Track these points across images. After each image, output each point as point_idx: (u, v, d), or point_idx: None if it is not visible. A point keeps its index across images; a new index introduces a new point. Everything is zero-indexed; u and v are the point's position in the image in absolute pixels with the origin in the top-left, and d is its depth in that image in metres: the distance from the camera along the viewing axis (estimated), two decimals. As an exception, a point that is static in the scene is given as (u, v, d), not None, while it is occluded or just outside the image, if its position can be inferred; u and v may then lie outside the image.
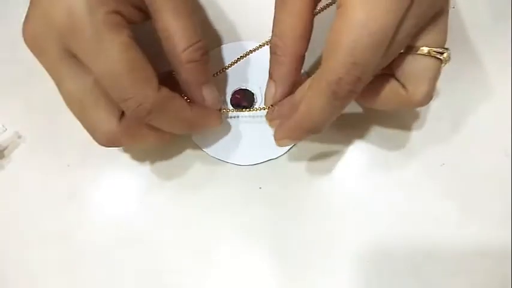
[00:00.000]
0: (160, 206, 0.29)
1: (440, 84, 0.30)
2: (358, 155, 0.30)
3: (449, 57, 0.24)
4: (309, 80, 0.25)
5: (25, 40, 0.23)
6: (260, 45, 0.29)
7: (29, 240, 0.29)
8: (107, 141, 0.25)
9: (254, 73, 0.31)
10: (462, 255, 0.28)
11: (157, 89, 0.23)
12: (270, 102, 0.28)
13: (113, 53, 0.22)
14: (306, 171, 0.30)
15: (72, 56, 0.23)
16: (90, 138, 0.30)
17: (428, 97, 0.24)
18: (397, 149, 0.30)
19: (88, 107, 0.24)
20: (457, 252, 0.28)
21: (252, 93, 0.31)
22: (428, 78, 0.24)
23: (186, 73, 0.25)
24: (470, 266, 0.28)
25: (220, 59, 0.32)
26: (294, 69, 0.26)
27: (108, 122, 0.24)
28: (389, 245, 0.28)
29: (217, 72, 0.30)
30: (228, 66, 0.30)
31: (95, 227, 0.29)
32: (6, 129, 0.30)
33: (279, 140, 0.26)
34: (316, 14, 0.25)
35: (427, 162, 0.29)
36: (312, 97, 0.22)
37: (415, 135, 0.30)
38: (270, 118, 0.29)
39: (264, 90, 0.28)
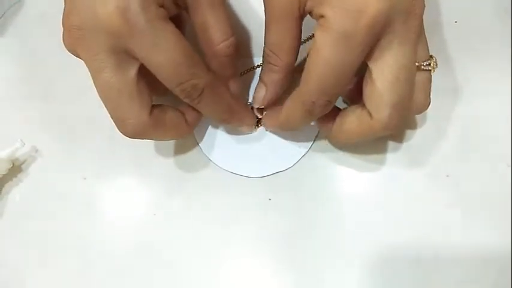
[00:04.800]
0: (172, 217, 0.30)
1: (444, 97, 0.31)
2: (365, 166, 0.30)
3: (436, 64, 0.25)
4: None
5: (65, 31, 0.24)
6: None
7: (46, 251, 0.29)
8: (135, 132, 0.25)
9: None
10: (468, 263, 0.28)
11: (208, 70, 0.25)
12: (259, 104, 0.29)
13: (170, 44, 0.23)
14: (314, 182, 0.30)
15: (119, 52, 0.23)
16: (105, 152, 0.31)
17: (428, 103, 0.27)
18: (404, 161, 0.30)
19: (124, 98, 0.24)
20: (463, 260, 0.28)
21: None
22: (424, 89, 0.26)
23: (218, 65, 0.27)
24: (475, 274, 0.28)
25: None
26: (284, 77, 0.28)
27: (140, 113, 0.25)
28: (398, 254, 0.29)
29: None
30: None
31: (109, 238, 0.30)
32: (24, 144, 0.30)
33: (267, 127, 0.31)
34: (302, 44, 0.27)
35: (432, 174, 0.30)
36: (290, 111, 0.27)
37: (422, 147, 0.31)
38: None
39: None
